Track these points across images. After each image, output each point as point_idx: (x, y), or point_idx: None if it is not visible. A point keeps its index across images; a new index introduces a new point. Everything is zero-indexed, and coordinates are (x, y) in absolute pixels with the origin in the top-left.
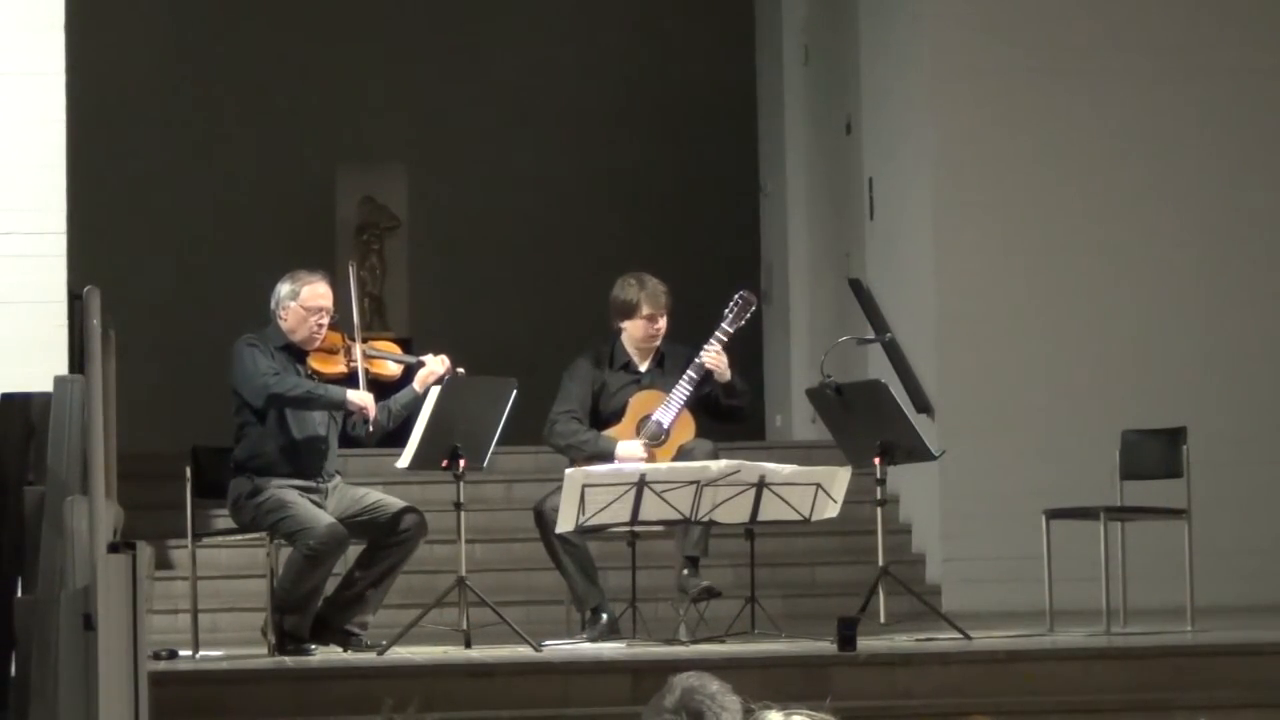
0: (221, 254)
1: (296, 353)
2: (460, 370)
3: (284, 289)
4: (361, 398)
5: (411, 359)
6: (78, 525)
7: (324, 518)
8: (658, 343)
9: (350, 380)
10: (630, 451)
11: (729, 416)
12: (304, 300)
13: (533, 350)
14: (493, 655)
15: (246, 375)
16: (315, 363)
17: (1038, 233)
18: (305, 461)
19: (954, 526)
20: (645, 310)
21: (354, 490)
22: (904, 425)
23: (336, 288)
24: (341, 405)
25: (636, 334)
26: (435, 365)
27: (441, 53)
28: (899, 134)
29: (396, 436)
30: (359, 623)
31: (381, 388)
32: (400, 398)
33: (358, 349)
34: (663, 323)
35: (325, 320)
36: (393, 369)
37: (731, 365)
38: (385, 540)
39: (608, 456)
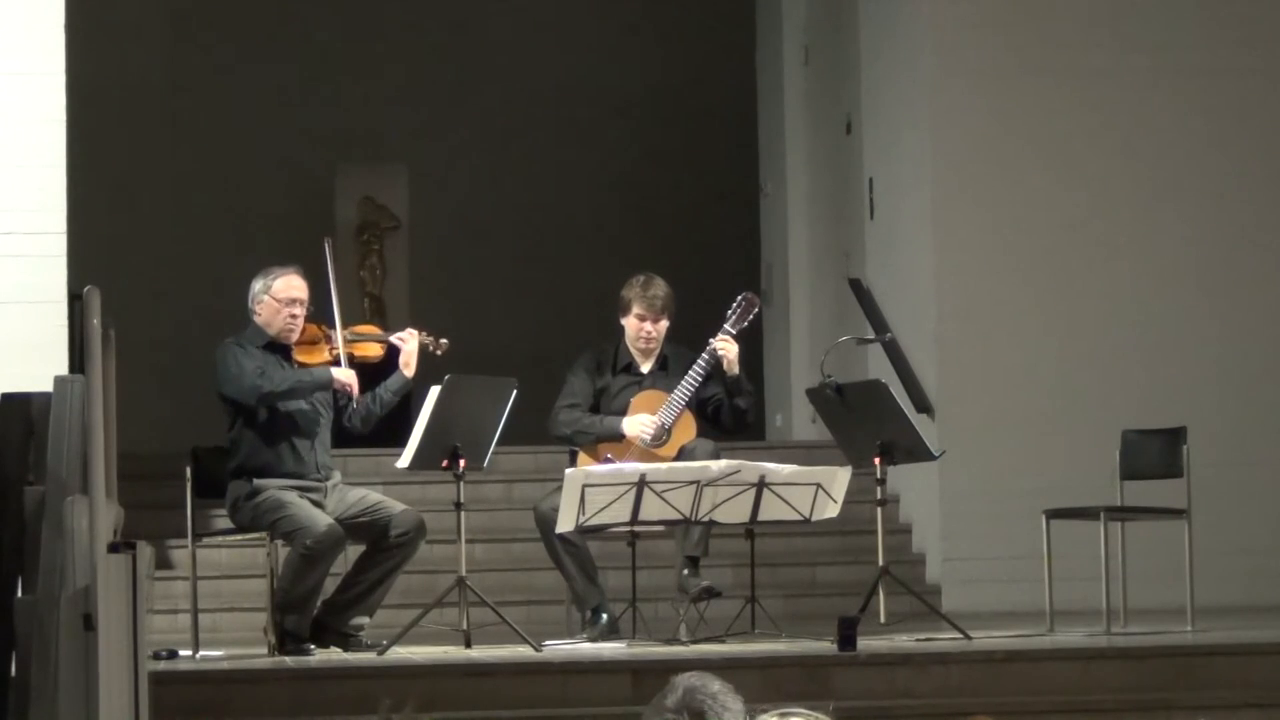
0: (221, 254)
1: (280, 349)
2: (444, 341)
3: (256, 285)
4: (345, 374)
5: (391, 337)
6: (78, 525)
7: (321, 518)
8: (653, 346)
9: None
10: (637, 425)
11: (736, 419)
12: (275, 292)
13: (533, 350)
14: (493, 655)
15: (232, 377)
16: (300, 355)
17: (1037, 232)
18: (301, 461)
19: (954, 526)
20: (635, 310)
21: (353, 491)
22: (904, 425)
23: (317, 271)
24: (329, 385)
25: (630, 332)
26: (412, 344)
27: (442, 53)
28: (899, 134)
29: (396, 436)
30: (355, 625)
31: (367, 371)
32: (390, 384)
33: (338, 334)
34: (654, 327)
35: (299, 311)
36: (375, 349)
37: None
38: (383, 543)
39: (615, 436)
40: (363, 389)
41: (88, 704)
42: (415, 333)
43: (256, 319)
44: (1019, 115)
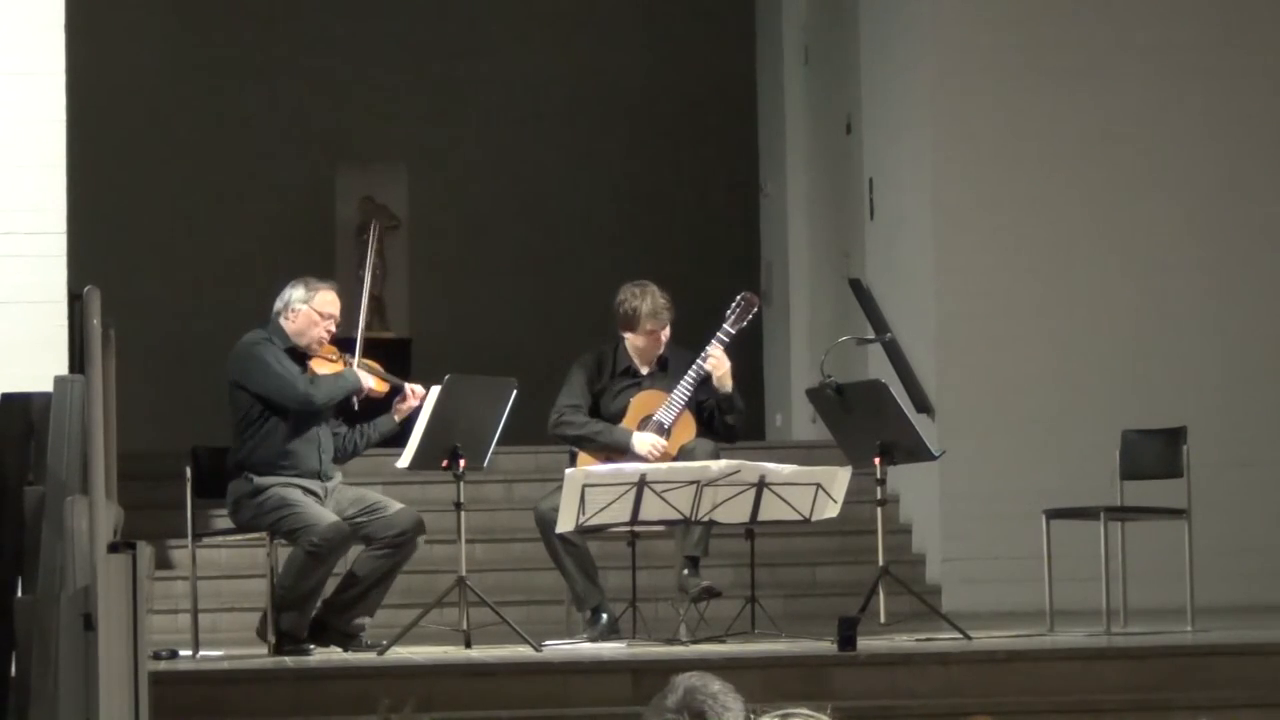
0: (221, 254)
1: (298, 356)
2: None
3: (296, 293)
4: (371, 380)
5: (396, 380)
6: (78, 525)
7: (327, 515)
8: (661, 350)
9: None
10: (647, 444)
11: (723, 436)
12: (317, 305)
13: (533, 350)
14: (493, 655)
15: (276, 376)
16: (316, 365)
17: (1038, 232)
18: (306, 460)
19: (954, 526)
20: (647, 326)
21: (352, 490)
22: (904, 425)
23: (346, 295)
24: (362, 390)
25: (639, 344)
26: (413, 400)
27: (442, 53)
28: (899, 134)
29: (397, 436)
30: (356, 625)
31: (362, 403)
32: (380, 424)
33: (356, 358)
34: (665, 333)
35: (333, 328)
36: (381, 386)
37: (732, 368)
38: (382, 543)
39: (622, 447)
40: (350, 422)
41: (88, 704)
42: (419, 393)
43: (286, 324)
44: (1019, 115)
